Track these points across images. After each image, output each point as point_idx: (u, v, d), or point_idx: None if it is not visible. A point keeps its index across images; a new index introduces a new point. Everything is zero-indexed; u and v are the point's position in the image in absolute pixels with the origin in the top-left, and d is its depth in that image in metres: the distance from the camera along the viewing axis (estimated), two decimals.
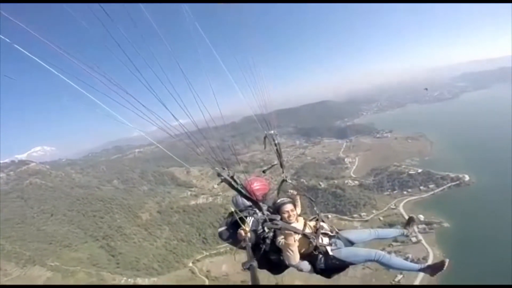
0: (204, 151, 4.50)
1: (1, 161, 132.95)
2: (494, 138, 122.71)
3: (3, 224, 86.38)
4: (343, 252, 4.77)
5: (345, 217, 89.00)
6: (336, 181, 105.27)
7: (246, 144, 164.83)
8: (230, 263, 79.71)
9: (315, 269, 4.78)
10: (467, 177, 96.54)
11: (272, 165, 6.26)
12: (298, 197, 5.45)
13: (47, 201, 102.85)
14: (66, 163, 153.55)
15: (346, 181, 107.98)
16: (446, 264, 4.34)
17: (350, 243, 5.01)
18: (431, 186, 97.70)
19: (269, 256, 4.77)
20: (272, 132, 5.70)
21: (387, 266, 4.74)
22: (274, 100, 5.33)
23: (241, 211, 4.93)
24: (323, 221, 5.16)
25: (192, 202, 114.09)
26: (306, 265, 4.72)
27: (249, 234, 4.52)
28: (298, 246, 4.59)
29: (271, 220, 4.71)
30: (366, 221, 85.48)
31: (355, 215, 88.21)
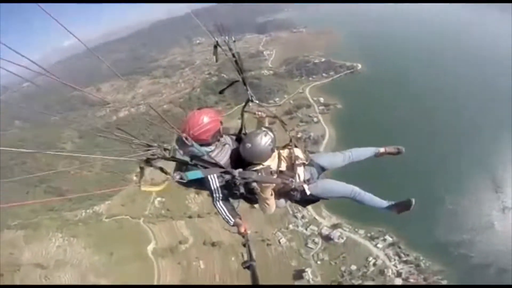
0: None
1: None
2: (393, 33, 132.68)
3: None
4: (320, 188, 4.64)
5: (263, 104, 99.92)
6: (253, 72, 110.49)
7: (161, 49, 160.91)
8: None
9: (290, 201, 4.62)
10: (359, 66, 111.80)
11: (232, 82, 5.09)
12: (266, 120, 4.92)
13: None
14: None
15: (262, 72, 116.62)
16: (413, 204, 4.51)
17: (322, 169, 4.82)
18: (331, 73, 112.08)
19: (244, 196, 4.20)
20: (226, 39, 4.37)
21: (360, 203, 4.82)
22: None
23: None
24: (296, 147, 4.65)
25: (114, 118, 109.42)
26: (282, 202, 4.57)
27: (249, 231, 4.14)
28: (274, 187, 4.19)
29: (243, 178, 3.79)
30: (279, 105, 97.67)
31: (270, 101, 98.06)
